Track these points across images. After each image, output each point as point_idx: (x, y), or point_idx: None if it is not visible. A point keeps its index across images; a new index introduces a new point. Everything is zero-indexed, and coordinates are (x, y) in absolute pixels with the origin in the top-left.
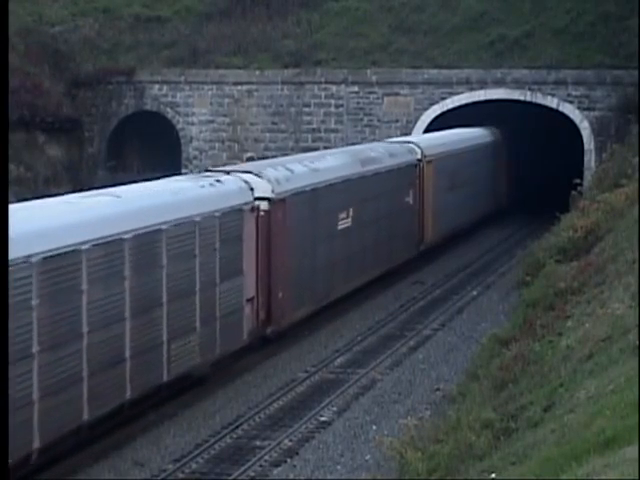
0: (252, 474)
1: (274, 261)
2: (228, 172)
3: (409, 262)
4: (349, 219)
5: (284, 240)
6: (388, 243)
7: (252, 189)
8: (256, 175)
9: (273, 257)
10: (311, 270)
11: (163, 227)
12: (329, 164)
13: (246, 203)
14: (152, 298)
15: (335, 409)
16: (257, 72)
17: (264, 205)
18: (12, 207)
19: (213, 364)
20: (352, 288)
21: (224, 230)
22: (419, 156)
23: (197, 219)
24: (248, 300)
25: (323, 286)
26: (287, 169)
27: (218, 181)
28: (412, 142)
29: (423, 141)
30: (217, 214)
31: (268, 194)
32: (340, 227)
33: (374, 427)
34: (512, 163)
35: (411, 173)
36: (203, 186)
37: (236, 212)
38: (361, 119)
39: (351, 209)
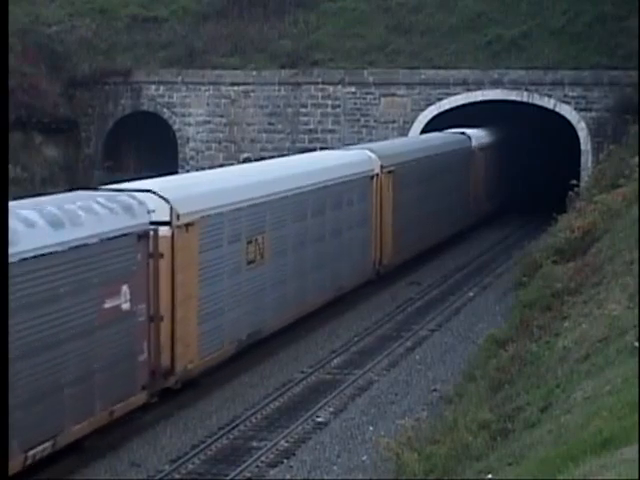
0: (248, 475)
1: None
2: None
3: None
4: None
5: None
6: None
7: None
8: None
9: None
10: None
11: None
12: None
13: None
14: None
15: (332, 410)
16: (254, 72)
17: None
18: None
19: None
20: None
21: None
22: (165, 217)
23: None
24: None
25: None
26: None
27: None
28: (152, 191)
29: (175, 189)
30: None
31: None
32: None
33: (371, 428)
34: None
35: (129, 253)
36: None
37: None
38: (358, 120)
39: None
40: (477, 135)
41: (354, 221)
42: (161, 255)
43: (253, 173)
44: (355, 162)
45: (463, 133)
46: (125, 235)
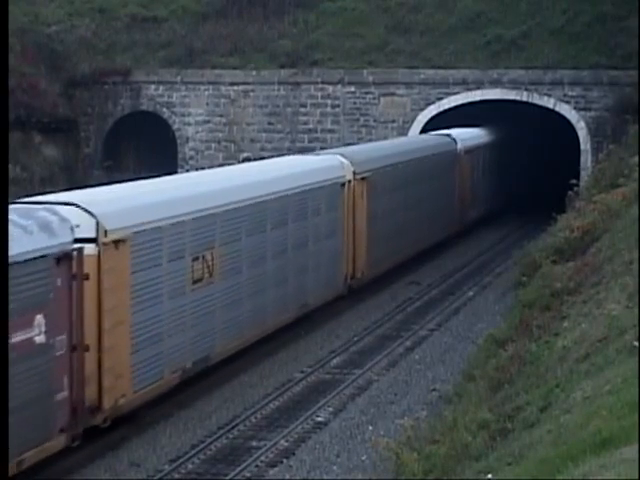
0: (248, 475)
1: None
2: None
3: None
4: None
5: None
6: None
7: None
8: None
9: None
10: None
11: None
12: None
13: None
14: None
15: (331, 409)
16: (253, 72)
17: None
18: None
19: None
20: None
21: None
22: (90, 233)
23: None
24: None
25: None
26: None
27: None
28: (76, 205)
29: (103, 202)
30: None
31: None
32: None
33: (370, 427)
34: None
35: (46, 277)
36: None
37: None
38: (357, 119)
39: None
40: (464, 137)
41: (322, 232)
42: (86, 277)
43: (203, 182)
44: (324, 168)
45: (448, 135)
46: (41, 257)
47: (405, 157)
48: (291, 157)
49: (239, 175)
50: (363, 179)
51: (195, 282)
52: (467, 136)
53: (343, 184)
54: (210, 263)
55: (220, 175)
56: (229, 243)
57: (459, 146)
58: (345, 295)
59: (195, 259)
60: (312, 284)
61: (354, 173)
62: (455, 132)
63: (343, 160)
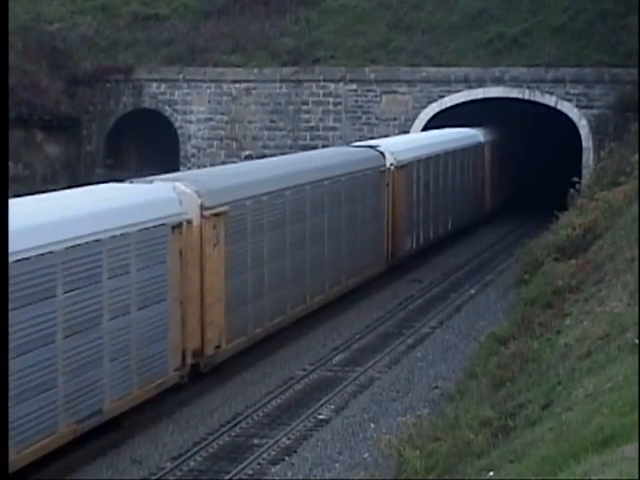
0: (250, 472)
1: None
2: None
3: None
4: None
5: None
6: None
7: None
8: None
9: None
10: None
11: None
12: None
13: None
14: None
15: (333, 407)
16: (255, 70)
17: None
18: None
19: None
20: None
21: None
22: None
23: None
24: None
25: None
26: None
27: None
28: None
29: None
30: None
31: None
32: None
33: (372, 425)
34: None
35: None
36: None
37: None
38: (359, 117)
39: None
40: (400, 148)
41: (132, 300)
42: None
43: None
44: (137, 205)
45: (373, 147)
46: None
47: (294, 180)
48: (95, 188)
49: None
50: (218, 215)
51: None
52: (408, 146)
53: (178, 225)
54: None
55: None
56: None
57: (389, 161)
58: (184, 382)
59: None
60: (110, 380)
61: (202, 208)
62: (387, 142)
63: (184, 190)
